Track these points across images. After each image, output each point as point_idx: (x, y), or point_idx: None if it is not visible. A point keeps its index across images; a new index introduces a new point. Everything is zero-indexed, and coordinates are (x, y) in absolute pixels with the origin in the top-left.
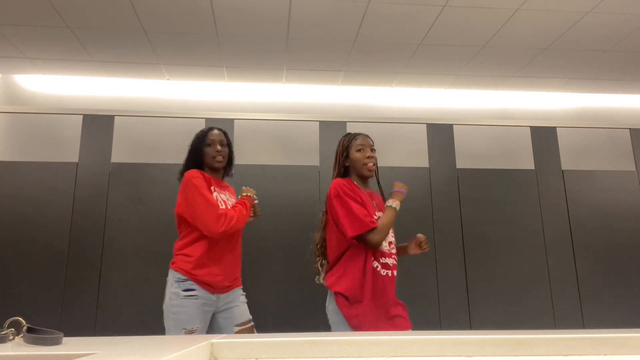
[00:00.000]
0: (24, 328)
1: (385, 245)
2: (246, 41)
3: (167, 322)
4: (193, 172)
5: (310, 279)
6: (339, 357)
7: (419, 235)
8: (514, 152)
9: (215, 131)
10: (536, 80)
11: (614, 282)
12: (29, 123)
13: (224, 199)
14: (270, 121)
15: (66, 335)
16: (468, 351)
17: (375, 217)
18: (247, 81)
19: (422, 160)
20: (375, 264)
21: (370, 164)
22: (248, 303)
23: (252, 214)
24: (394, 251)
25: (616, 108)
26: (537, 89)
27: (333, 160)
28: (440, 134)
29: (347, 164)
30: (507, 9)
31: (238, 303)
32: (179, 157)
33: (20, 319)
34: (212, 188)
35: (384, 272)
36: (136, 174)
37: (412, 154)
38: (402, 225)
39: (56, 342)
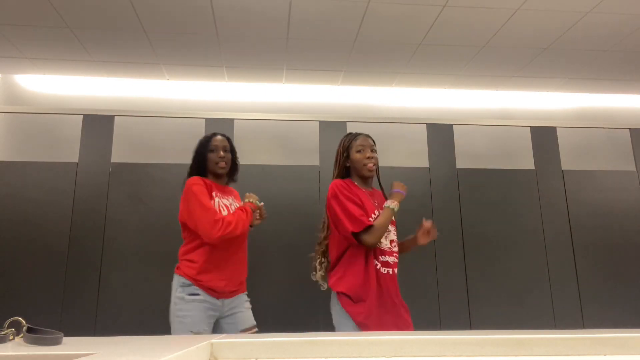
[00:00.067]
0: (24, 328)
1: (386, 244)
2: (246, 41)
3: (174, 327)
4: (193, 179)
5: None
6: (339, 357)
7: (425, 222)
8: (514, 152)
9: (219, 137)
10: (536, 80)
11: (614, 282)
12: (29, 123)
13: (226, 204)
14: (270, 121)
15: (66, 335)
16: (468, 351)
17: (374, 216)
18: (247, 81)
19: (422, 160)
20: (375, 262)
21: (370, 165)
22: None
23: (258, 217)
24: (395, 249)
25: (616, 108)
26: (537, 89)
27: (332, 160)
28: (440, 134)
29: (347, 165)
30: (507, 9)
31: (242, 309)
32: (179, 157)
33: (20, 319)
34: (213, 194)
35: (384, 270)
36: (136, 174)
37: (412, 154)
38: (402, 225)
39: (56, 342)
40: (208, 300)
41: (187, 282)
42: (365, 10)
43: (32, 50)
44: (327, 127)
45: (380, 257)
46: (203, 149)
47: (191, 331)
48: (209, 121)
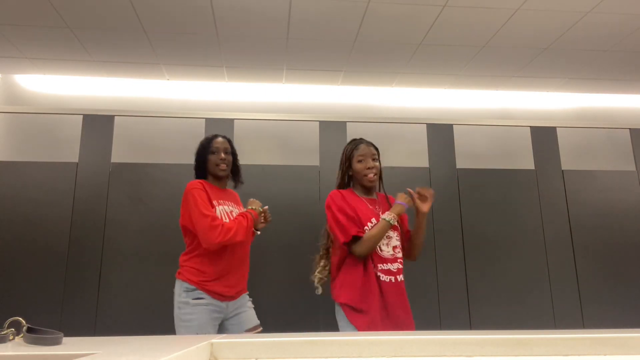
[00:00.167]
0: (24, 328)
1: (388, 251)
2: (246, 41)
3: (179, 332)
4: (193, 183)
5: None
6: (339, 357)
7: (412, 191)
8: (514, 152)
9: (219, 139)
10: (536, 80)
11: (614, 282)
12: (29, 123)
13: (227, 210)
14: (270, 121)
15: (66, 335)
16: (468, 351)
17: (370, 225)
18: (247, 81)
19: (422, 160)
20: (375, 270)
21: (371, 175)
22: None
23: (262, 220)
24: (399, 255)
25: (616, 108)
26: (537, 89)
27: (332, 160)
28: (440, 134)
29: (350, 173)
30: (507, 9)
31: (246, 308)
32: (179, 157)
33: (20, 319)
34: (214, 202)
35: (386, 278)
36: (136, 174)
37: (412, 154)
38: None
39: (56, 342)
40: (213, 303)
41: (191, 287)
42: (365, 10)
43: (32, 50)
44: (327, 127)
45: (379, 265)
46: (204, 151)
47: (197, 334)
48: (209, 121)
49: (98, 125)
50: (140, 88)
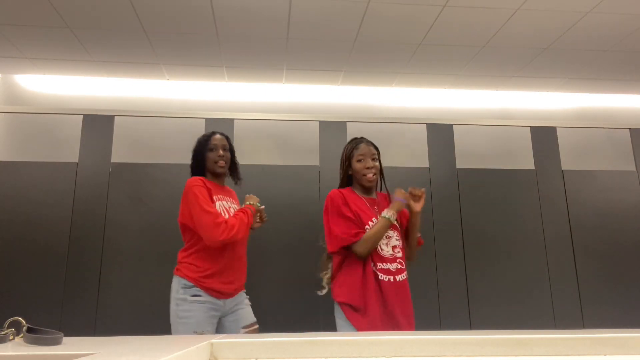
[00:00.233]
0: (24, 328)
1: (387, 250)
2: (246, 41)
3: (176, 328)
4: (194, 180)
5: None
6: (339, 357)
7: (404, 192)
8: (514, 152)
9: (218, 136)
10: (536, 80)
11: (614, 282)
12: (29, 123)
13: (225, 206)
14: (270, 121)
15: (66, 335)
16: (468, 351)
17: (371, 224)
18: (247, 81)
19: (422, 160)
20: (374, 269)
21: (370, 175)
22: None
23: (258, 220)
24: (398, 255)
25: (616, 108)
26: (537, 89)
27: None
28: (440, 134)
29: (350, 173)
30: (507, 9)
31: (243, 306)
32: (179, 157)
33: (20, 319)
34: (214, 197)
35: (385, 277)
36: (136, 174)
37: (412, 154)
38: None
39: (56, 342)
40: (210, 300)
41: (189, 283)
42: (365, 10)
43: (32, 50)
44: (327, 127)
45: (379, 264)
46: (202, 148)
47: (195, 332)
48: (209, 121)
49: (98, 125)
50: (140, 88)
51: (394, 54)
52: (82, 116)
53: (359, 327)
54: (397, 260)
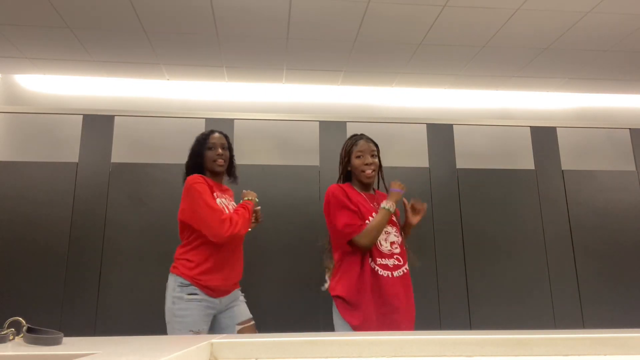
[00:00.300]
0: (24, 328)
1: (385, 246)
2: (246, 41)
3: (172, 327)
4: (195, 178)
5: (310, 279)
6: (339, 357)
7: (406, 202)
8: (514, 152)
9: (216, 134)
10: (536, 80)
11: (614, 282)
12: (29, 123)
13: (225, 203)
14: (270, 121)
15: (66, 335)
16: (468, 351)
17: (371, 219)
18: (247, 81)
19: (422, 160)
20: (373, 264)
21: (368, 172)
22: (248, 302)
23: (254, 220)
24: (396, 251)
25: (616, 108)
26: (537, 89)
27: (332, 160)
28: (440, 134)
29: (349, 169)
30: (507, 9)
31: (238, 302)
32: (179, 157)
33: (20, 319)
34: (215, 194)
35: (384, 273)
36: (136, 174)
37: (412, 154)
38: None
39: (56, 342)
40: (206, 299)
41: (186, 281)
42: (365, 10)
43: (32, 50)
44: (327, 127)
45: (378, 259)
46: (200, 147)
47: (191, 330)
48: (209, 121)
49: (98, 125)
50: (140, 88)
51: (394, 54)
52: (82, 116)
53: (352, 323)
54: (395, 257)
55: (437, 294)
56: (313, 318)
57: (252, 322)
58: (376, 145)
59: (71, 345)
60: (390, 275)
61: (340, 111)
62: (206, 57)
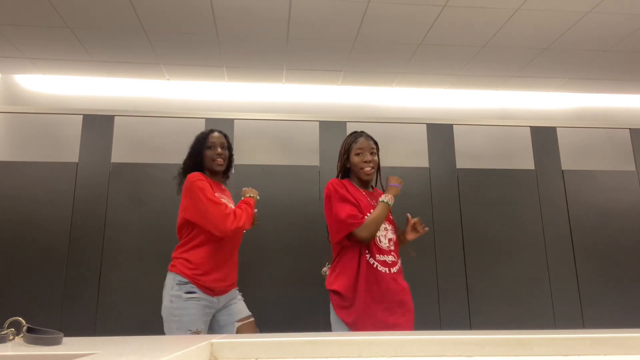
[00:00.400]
0: (24, 328)
1: (385, 242)
2: (246, 41)
3: (169, 326)
4: (196, 175)
5: (310, 279)
6: (339, 357)
7: (410, 218)
8: (514, 152)
9: (216, 134)
10: (536, 80)
11: (614, 282)
12: (29, 123)
13: (224, 202)
14: (270, 121)
15: (66, 335)
16: (468, 351)
17: (369, 215)
18: (247, 81)
19: (422, 160)
20: (372, 260)
21: (367, 169)
22: (248, 302)
23: (249, 227)
24: (392, 248)
25: (616, 108)
26: (537, 89)
27: (332, 160)
28: (440, 134)
29: (348, 166)
30: (507, 9)
31: (236, 300)
32: (179, 157)
33: (20, 319)
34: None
35: (383, 269)
36: (136, 174)
37: (412, 154)
38: (403, 225)
39: (56, 342)
40: (205, 298)
41: (184, 280)
42: (365, 10)
43: (32, 50)
44: (327, 127)
45: (377, 255)
46: (200, 146)
47: (189, 330)
48: (209, 121)
49: (98, 125)
50: (140, 88)
51: (394, 54)
52: (82, 116)
53: (346, 321)
54: (392, 253)
55: (437, 294)
56: (313, 318)
57: (252, 319)
58: (376, 143)
59: (71, 345)
60: (389, 272)
61: (340, 111)
62: (206, 57)
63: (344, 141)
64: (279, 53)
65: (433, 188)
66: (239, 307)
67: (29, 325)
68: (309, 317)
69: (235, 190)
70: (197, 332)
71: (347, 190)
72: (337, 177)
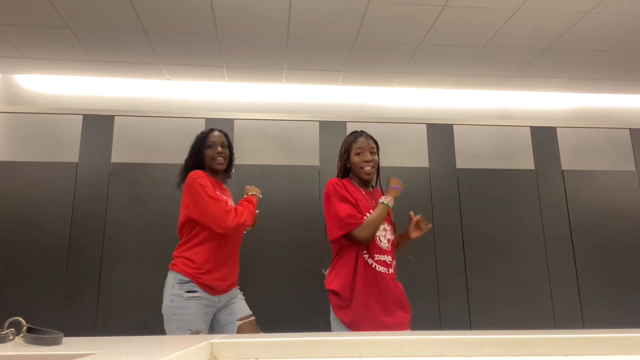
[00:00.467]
0: (24, 328)
1: (384, 242)
2: (246, 41)
3: (170, 325)
4: (197, 173)
5: (310, 279)
6: (339, 357)
7: (413, 216)
8: (514, 152)
9: (216, 133)
10: (536, 80)
11: (614, 282)
12: (29, 123)
13: (225, 200)
14: (270, 121)
15: (66, 335)
16: (468, 351)
17: (369, 215)
18: (247, 81)
19: (422, 160)
20: (370, 260)
21: (368, 168)
22: (248, 302)
23: (251, 224)
24: (390, 248)
25: (616, 108)
26: (537, 89)
27: (332, 160)
28: (440, 134)
29: (348, 165)
30: (507, 9)
31: (237, 299)
32: (179, 157)
33: (20, 319)
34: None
35: (382, 269)
36: (136, 174)
37: (412, 154)
38: (403, 225)
39: (56, 342)
40: (206, 297)
41: (185, 279)
42: (365, 10)
43: (32, 50)
44: (327, 127)
45: (376, 255)
46: (200, 145)
47: (189, 329)
48: (209, 121)
49: (98, 125)
50: (140, 88)
51: (394, 54)
52: (82, 116)
53: (343, 320)
54: (390, 254)
55: (437, 294)
56: (313, 317)
57: (252, 318)
58: (376, 143)
59: (71, 345)
60: (387, 272)
61: (340, 111)
62: (206, 57)
63: (344, 141)
64: (279, 53)
65: (433, 188)
66: (240, 306)
67: (29, 325)
68: (309, 317)
69: (236, 190)
70: (197, 332)
71: (347, 190)
72: (338, 176)
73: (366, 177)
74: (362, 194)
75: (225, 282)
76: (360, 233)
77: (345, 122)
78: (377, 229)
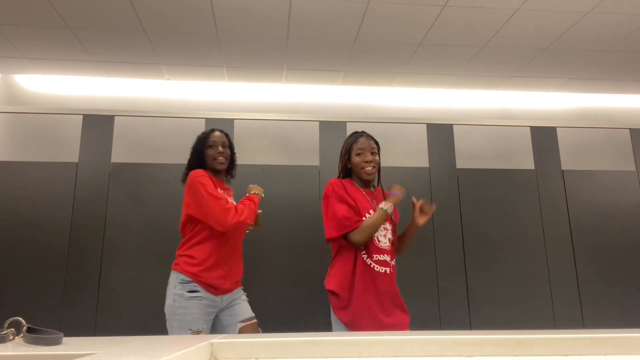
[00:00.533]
0: (24, 328)
1: (384, 242)
2: (246, 41)
3: (171, 324)
4: (198, 172)
5: (310, 279)
6: (339, 357)
7: (415, 201)
8: (514, 152)
9: (217, 133)
10: (536, 80)
11: (614, 282)
12: (29, 123)
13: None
14: (270, 121)
15: (66, 335)
16: (468, 351)
17: (369, 216)
18: (247, 81)
19: (422, 160)
20: (369, 260)
21: (368, 169)
22: (248, 302)
23: (252, 223)
24: (389, 248)
25: (616, 108)
26: (537, 89)
27: (332, 160)
28: (440, 134)
29: (349, 166)
30: (507, 9)
31: (240, 301)
32: (179, 157)
33: (20, 319)
34: (218, 190)
35: (380, 269)
36: (136, 174)
37: (412, 154)
38: (403, 225)
39: (56, 342)
40: (208, 297)
41: (187, 278)
42: (365, 10)
43: (32, 50)
44: (327, 127)
45: (375, 255)
46: (201, 145)
47: (190, 329)
48: (209, 121)
49: (98, 125)
50: (140, 88)
51: (394, 54)
52: (82, 116)
53: (342, 320)
54: (388, 253)
55: (437, 294)
56: (313, 317)
57: (254, 321)
58: (377, 143)
59: (71, 345)
60: (386, 272)
61: (340, 111)
62: (206, 57)
63: (345, 141)
64: (279, 53)
65: (433, 188)
66: (243, 308)
67: (29, 325)
68: (309, 317)
69: (236, 190)
70: (198, 332)
71: (347, 191)
72: (339, 177)
73: (367, 178)
74: (363, 194)
75: (227, 281)
76: (356, 236)
77: (345, 122)
78: (373, 233)
